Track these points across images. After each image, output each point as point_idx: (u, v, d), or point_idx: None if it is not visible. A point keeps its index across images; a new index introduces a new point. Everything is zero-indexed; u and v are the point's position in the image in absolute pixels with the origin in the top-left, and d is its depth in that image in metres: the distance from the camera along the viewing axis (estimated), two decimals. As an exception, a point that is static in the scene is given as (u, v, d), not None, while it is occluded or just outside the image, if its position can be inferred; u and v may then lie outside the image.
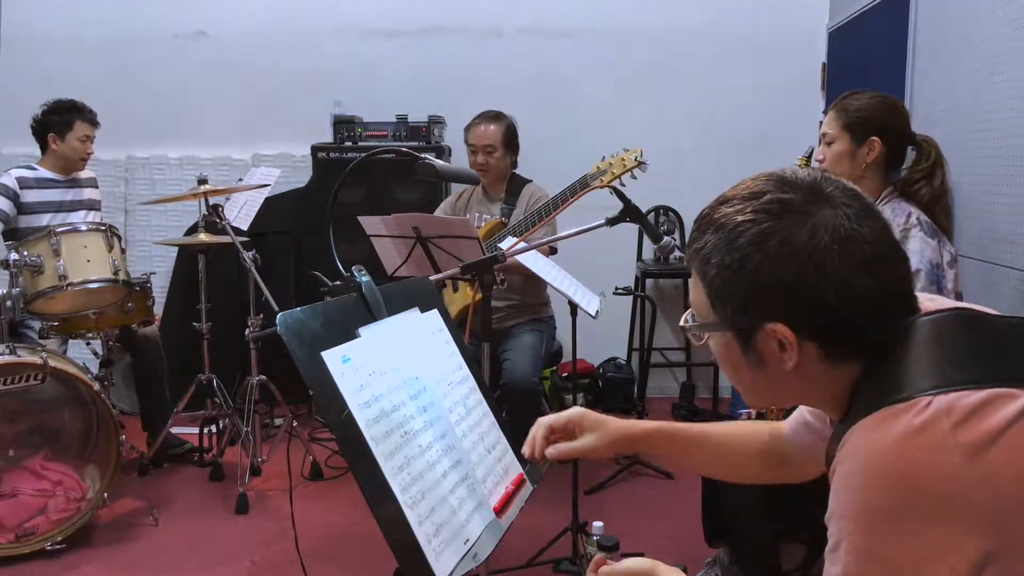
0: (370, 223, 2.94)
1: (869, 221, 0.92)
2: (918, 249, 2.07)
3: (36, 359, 2.85)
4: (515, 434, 1.51)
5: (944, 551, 0.80)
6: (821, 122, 2.41)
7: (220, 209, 3.38)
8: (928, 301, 0.96)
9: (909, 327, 0.92)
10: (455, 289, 3.41)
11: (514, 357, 3.26)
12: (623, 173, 2.69)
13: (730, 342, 0.98)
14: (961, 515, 0.80)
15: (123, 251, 3.37)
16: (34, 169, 3.66)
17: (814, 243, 0.89)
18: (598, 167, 2.81)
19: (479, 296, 2.15)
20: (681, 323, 1.05)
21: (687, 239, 1.04)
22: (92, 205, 3.83)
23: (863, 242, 0.90)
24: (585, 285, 3.00)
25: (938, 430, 0.82)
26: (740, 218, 0.93)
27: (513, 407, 3.06)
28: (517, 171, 3.63)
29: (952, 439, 0.82)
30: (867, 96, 2.24)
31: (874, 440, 0.85)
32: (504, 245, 2.74)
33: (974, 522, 0.80)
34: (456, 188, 3.83)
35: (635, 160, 2.68)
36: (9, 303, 2.99)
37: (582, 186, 2.95)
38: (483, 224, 3.45)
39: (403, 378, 1.31)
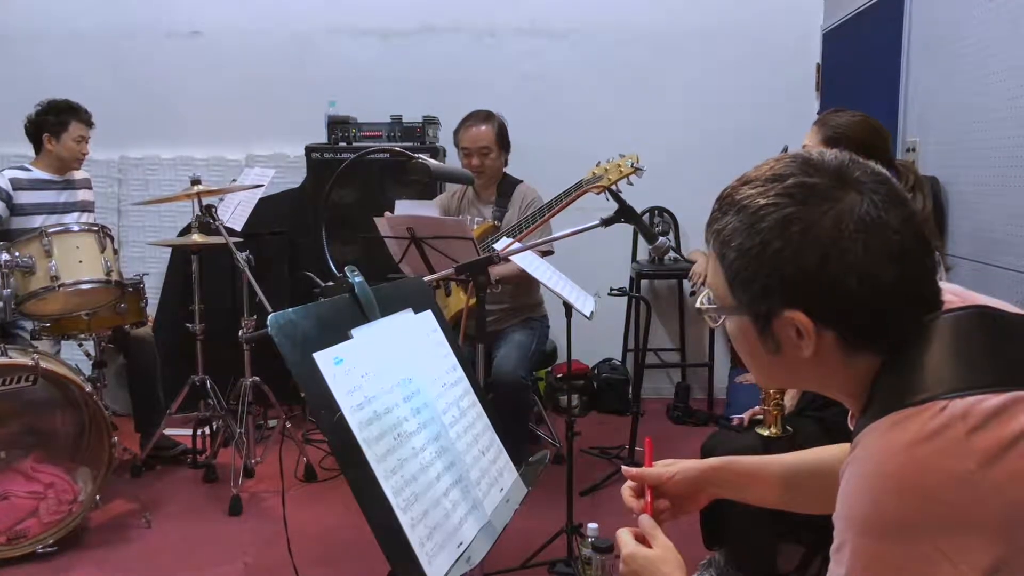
0: (380, 223, 2.96)
1: (897, 209, 0.88)
2: None
3: (28, 360, 2.83)
4: (500, 428, 1.51)
5: (954, 557, 0.78)
6: None
7: (214, 210, 3.37)
8: (951, 295, 0.93)
9: (930, 324, 0.89)
10: (448, 293, 3.40)
11: (502, 353, 3.26)
12: (619, 179, 2.67)
13: (747, 326, 0.96)
14: (973, 522, 0.78)
15: (116, 252, 3.35)
16: (28, 170, 3.64)
17: (838, 231, 0.86)
18: (594, 172, 2.78)
19: (472, 300, 2.14)
20: (697, 304, 1.03)
21: (708, 217, 1.00)
22: (86, 207, 3.81)
23: (890, 231, 0.87)
24: (580, 286, 2.99)
25: (952, 435, 0.80)
26: (762, 201, 0.89)
27: (498, 401, 3.05)
28: (507, 171, 3.61)
29: (966, 445, 0.79)
30: (849, 114, 2.26)
31: (886, 443, 0.83)
32: (499, 246, 2.74)
33: (986, 529, 0.78)
34: (450, 187, 3.81)
35: (631, 166, 2.66)
36: (0, 304, 2.97)
37: (577, 191, 2.94)
38: (475, 227, 3.43)
39: (396, 380, 1.30)
